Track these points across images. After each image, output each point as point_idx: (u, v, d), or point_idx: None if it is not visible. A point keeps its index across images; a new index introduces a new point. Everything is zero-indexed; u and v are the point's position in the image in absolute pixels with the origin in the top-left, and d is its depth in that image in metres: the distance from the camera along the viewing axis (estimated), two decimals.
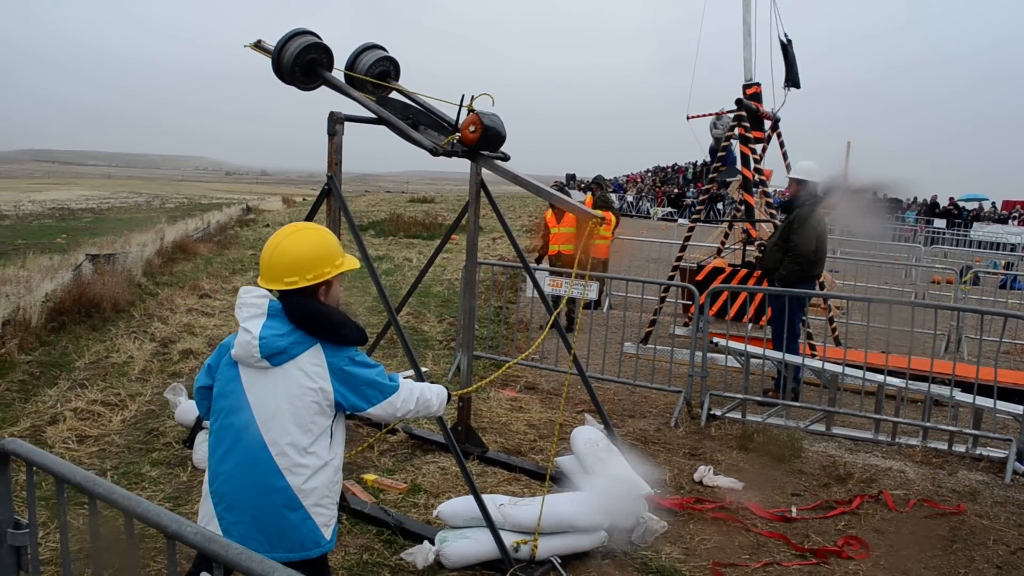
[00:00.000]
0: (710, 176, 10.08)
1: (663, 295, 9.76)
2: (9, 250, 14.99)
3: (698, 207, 10.79)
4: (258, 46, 5.23)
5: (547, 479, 4.43)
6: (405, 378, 2.96)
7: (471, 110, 4.57)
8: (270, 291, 2.68)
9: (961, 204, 33.94)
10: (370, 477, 5.22)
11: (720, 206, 28.67)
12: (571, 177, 47.61)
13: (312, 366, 2.62)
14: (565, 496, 4.38)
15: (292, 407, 2.58)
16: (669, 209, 37.58)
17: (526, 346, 9.26)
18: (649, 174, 55.63)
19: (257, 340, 2.56)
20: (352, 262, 2.78)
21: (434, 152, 4.56)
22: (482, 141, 4.55)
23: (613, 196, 44.03)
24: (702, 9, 10.40)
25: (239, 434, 2.59)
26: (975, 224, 31.31)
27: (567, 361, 5.07)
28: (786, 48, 9.71)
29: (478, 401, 7.09)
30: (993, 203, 34.73)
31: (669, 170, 51.44)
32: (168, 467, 5.27)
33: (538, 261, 10.96)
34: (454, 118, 4.67)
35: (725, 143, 9.70)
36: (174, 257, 14.85)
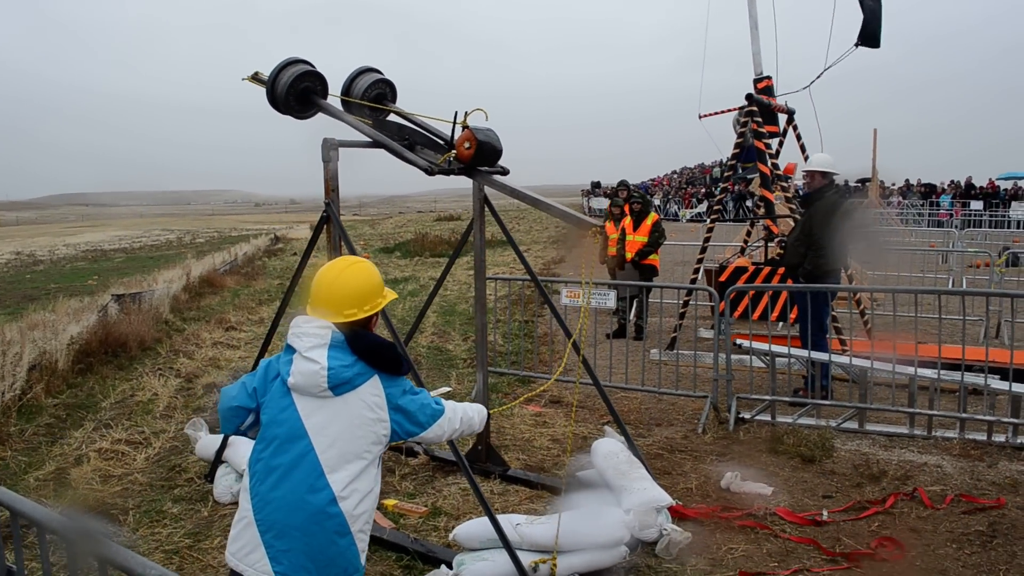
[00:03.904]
0: (725, 174, 9.91)
1: (686, 299, 9.61)
2: (41, 295, 15.24)
3: (714, 207, 10.57)
4: (255, 78, 5.24)
5: (562, 494, 4.35)
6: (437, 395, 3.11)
7: (465, 126, 4.53)
8: None
9: (998, 183, 33.16)
10: (390, 502, 5.16)
11: (749, 203, 28.33)
12: (596, 185, 47.40)
13: (372, 397, 2.67)
14: (582, 512, 4.28)
15: (352, 436, 2.63)
16: (698, 210, 37.30)
17: (548, 359, 9.18)
18: (675, 176, 55.21)
19: (326, 370, 2.59)
20: (392, 293, 2.88)
21: (429, 172, 4.52)
22: (478, 157, 4.49)
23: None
24: (707, 7, 10.26)
25: (295, 462, 2.59)
26: (1013, 204, 30.50)
27: (584, 373, 4.98)
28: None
29: (501, 418, 7.01)
30: None
31: (695, 170, 50.97)
32: (189, 503, 5.26)
33: (620, 267, 10.59)
34: (449, 136, 4.63)
35: (739, 139, 9.44)
36: (201, 292, 15.02)
